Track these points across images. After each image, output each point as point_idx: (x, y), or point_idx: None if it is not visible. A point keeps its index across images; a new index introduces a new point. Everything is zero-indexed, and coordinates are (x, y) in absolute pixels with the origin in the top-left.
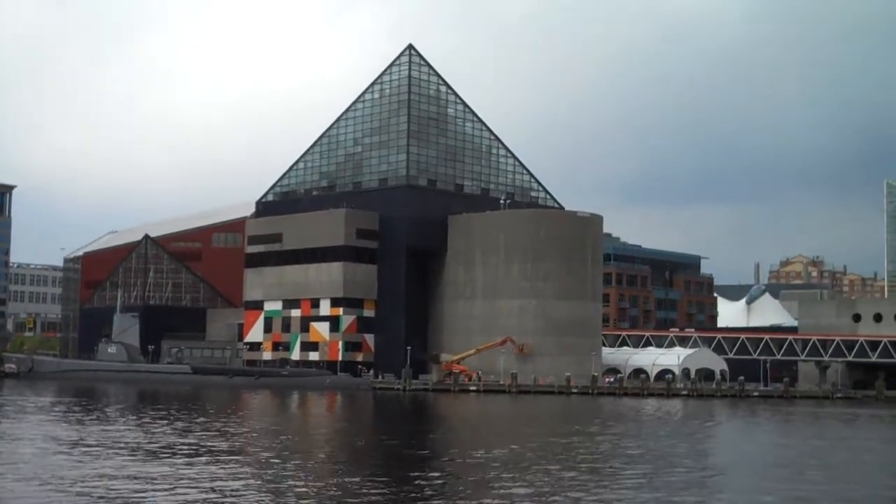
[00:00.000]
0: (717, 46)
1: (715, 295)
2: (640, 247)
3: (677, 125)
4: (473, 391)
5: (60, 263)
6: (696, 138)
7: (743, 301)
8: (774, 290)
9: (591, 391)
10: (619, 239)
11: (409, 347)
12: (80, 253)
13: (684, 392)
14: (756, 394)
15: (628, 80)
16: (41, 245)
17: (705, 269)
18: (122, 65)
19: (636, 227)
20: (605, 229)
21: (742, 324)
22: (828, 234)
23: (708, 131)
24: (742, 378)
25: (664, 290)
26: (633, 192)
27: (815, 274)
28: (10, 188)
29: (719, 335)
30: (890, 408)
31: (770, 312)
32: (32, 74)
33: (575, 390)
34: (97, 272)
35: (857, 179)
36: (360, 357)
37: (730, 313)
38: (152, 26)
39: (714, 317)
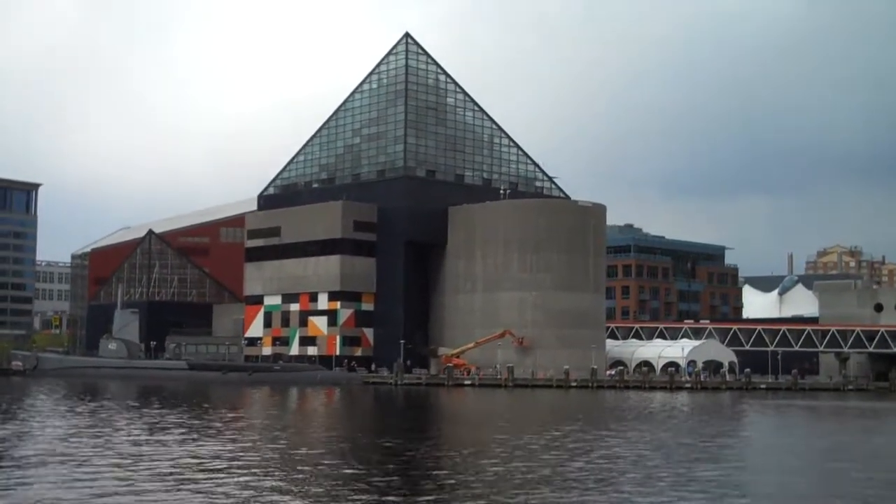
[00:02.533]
0: (752, 37)
1: (740, 286)
2: (663, 238)
3: (713, 117)
4: (469, 385)
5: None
6: (733, 129)
7: (775, 292)
8: (810, 280)
9: (590, 385)
10: (641, 230)
11: (402, 341)
12: (88, 249)
13: (688, 385)
14: (763, 386)
15: (662, 73)
16: (69, 243)
17: (737, 260)
18: (145, 69)
19: (672, 220)
20: (632, 222)
21: (774, 315)
22: (868, 223)
23: (745, 122)
24: (748, 370)
25: (686, 281)
26: (669, 185)
27: (852, 264)
28: (35, 186)
29: (735, 326)
30: None
31: (802, 303)
32: (61, 77)
33: (574, 384)
34: (104, 268)
35: None
36: (358, 352)
37: (762, 304)
38: (167, 34)
39: (739, 308)
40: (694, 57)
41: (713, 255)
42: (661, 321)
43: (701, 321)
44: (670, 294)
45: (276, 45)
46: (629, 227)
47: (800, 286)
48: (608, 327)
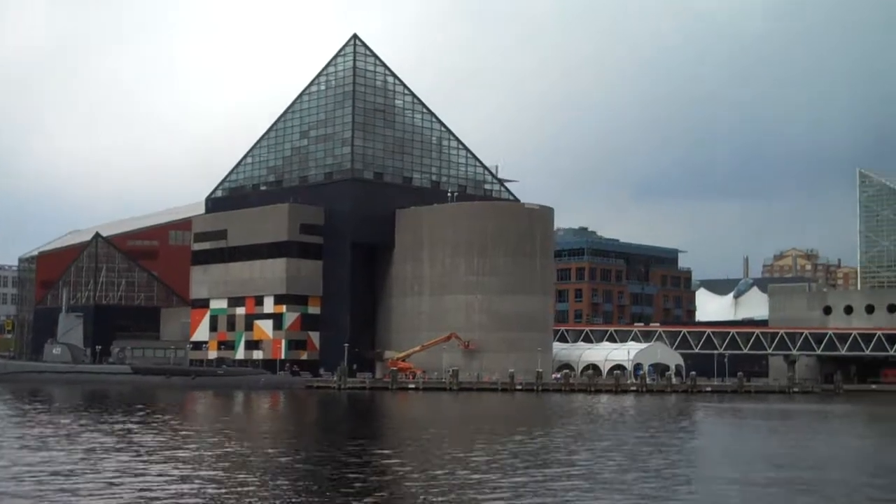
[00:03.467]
0: (721, 43)
1: (693, 289)
2: (617, 241)
3: (682, 121)
4: (413, 389)
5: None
6: (700, 134)
7: (731, 295)
8: (766, 284)
9: (535, 388)
10: (595, 233)
11: (346, 344)
12: (36, 252)
13: (633, 388)
14: (709, 389)
15: (633, 76)
16: (24, 247)
17: (700, 263)
18: (99, 72)
19: (637, 223)
20: (596, 225)
21: (729, 318)
22: (826, 227)
23: (711, 127)
24: (694, 373)
25: (640, 284)
26: (635, 189)
27: (808, 267)
28: None
29: (684, 329)
30: (840, 402)
31: (757, 306)
32: (16, 78)
33: (519, 387)
34: (51, 272)
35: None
36: (304, 355)
37: (718, 307)
38: (120, 37)
39: (692, 311)
40: (664, 61)
41: (667, 258)
42: (612, 324)
43: (651, 324)
44: (623, 297)
45: (227, 48)
46: (583, 229)
47: (755, 289)
48: (559, 330)
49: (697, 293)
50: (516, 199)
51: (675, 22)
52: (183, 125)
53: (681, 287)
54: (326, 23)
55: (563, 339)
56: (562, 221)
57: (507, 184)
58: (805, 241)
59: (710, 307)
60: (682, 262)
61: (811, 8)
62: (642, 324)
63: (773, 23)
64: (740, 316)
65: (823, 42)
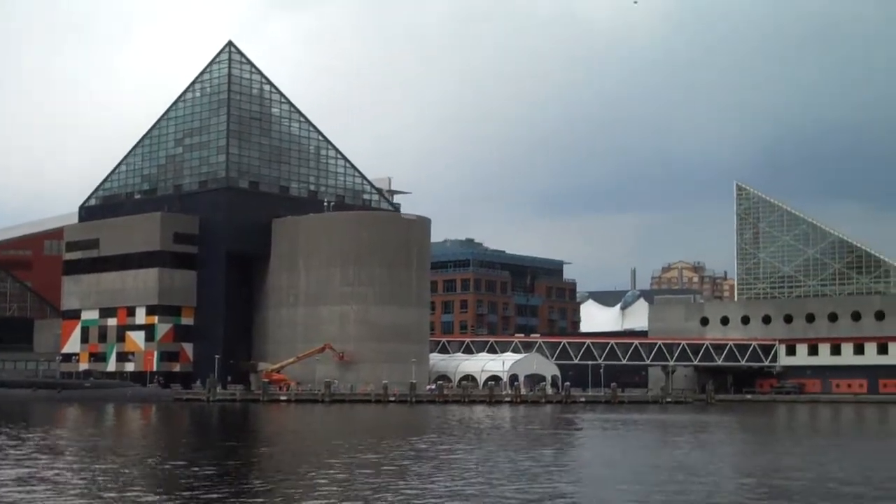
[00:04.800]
0: (622, 58)
1: (579, 301)
2: (503, 252)
3: (582, 135)
4: (285, 401)
5: None
6: (601, 148)
7: (618, 307)
8: (653, 295)
9: (409, 399)
10: (481, 244)
11: (217, 356)
12: None
13: (507, 399)
14: (583, 399)
15: (521, 96)
16: None
17: (583, 275)
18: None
19: (540, 237)
20: (475, 237)
21: (617, 329)
22: (713, 240)
23: (607, 142)
24: (568, 383)
25: (525, 295)
26: (539, 203)
27: (695, 279)
28: None
29: (564, 340)
30: (712, 413)
31: (643, 317)
32: None
33: (393, 399)
34: None
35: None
36: (177, 367)
37: (605, 319)
38: None
39: (577, 322)
40: (556, 79)
41: (552, 269)
42: (496, 335)
43: (532, 335)
44: (508, 308)
45: (108, 52)
46: (469, 241)
47: (641, 300)
48: (440, 341)
49: (585, 305)
50: (396, 210)
51: (562, 37)
52: (63, 130)
53: (566, 298)
54: (214, 30)
55: (444, 350)
56: (454, 234)
57: (399, 195)
58: (693, 253)
59: (599, 319)
60: (569, 274)
61: (698, 25)
62: (523, 335)
63: (660, 40)
64: (627, 327)
65: (710, 59)
